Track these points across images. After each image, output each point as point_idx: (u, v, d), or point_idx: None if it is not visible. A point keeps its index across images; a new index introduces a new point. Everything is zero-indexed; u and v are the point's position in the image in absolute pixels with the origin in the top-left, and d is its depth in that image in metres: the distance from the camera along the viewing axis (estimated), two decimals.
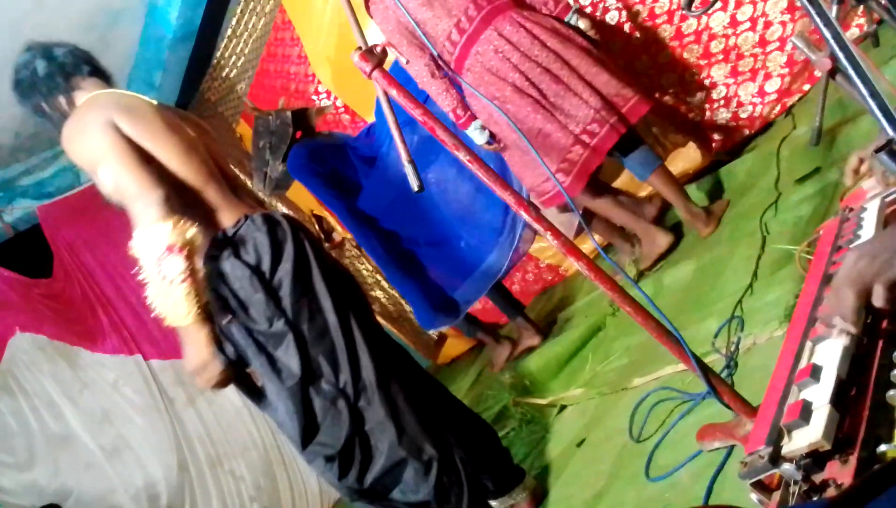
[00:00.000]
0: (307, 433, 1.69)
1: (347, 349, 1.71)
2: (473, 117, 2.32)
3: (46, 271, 3.95)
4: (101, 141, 1.63)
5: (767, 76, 2.65)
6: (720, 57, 2.66)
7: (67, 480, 3.67)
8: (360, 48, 1.39)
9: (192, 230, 1.56)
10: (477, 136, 2.34)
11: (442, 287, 3.05)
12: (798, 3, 1.02)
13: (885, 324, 1.10)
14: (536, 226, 1.41)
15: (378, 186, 3.02)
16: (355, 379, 1.70)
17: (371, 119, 3.60)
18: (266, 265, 1.66)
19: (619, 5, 2.67)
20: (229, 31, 3.98)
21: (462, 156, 1.40)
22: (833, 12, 1.93)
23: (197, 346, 1.62)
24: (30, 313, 3.75)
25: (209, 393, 3.96)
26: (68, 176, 4.18)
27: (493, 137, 2.36)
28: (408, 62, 2.30)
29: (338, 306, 1.71)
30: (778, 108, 2.70)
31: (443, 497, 1.76)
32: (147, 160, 1.65)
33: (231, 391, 4.03)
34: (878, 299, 0.89)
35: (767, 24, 2.56)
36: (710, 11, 2.50)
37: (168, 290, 1.55)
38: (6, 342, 3.70)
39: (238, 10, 3.88)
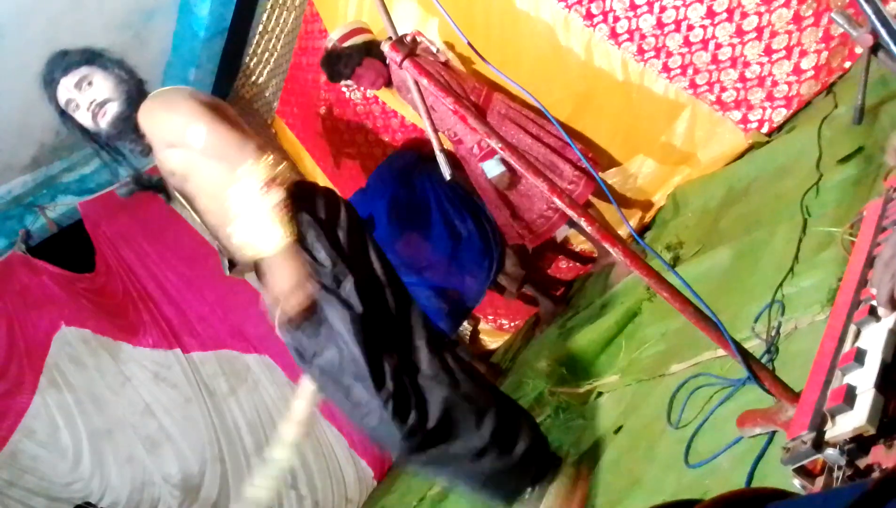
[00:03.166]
0: (373, 364, 1.71)
1: (398, 308, 1.82)
2: (494, 152, 2.67)
3: (89, 266, 4.05)
4: (190, 106, 1.75)
5: (803, 53, 2.58)
6: (753, 35, 2.60)
7: (111, 473, 3.77)
8: (390, 38, 1.39)
9: (284, 164, 1.72)
10: (494, 166, 2.83)
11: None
12: None
13: None
14: (571, 213, 1.40)
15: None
16: (406, 336, 1.81)
17: (399, 109, 3.62)
18: (323, 215, 1.80)
19: None
20: (260, 28, 4.02)
21: (494, 143, 1.41)
22: None
23: (291, 268, 1.70)
24: (74, 307, 3.85)
25: (249, 384, 4.03)
26: (107, 172, 4.28)
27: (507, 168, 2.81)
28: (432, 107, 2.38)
29: (386, 268, 1.85)
30: (818, 86, 2.63)
31: (502, 442, 1.78)
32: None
33: (270, 380, 4.10)
34: None
35: (802, 0, 2.49)
36: None
37: (267, 218, 1.66)
38: (52, 336, 3.81)
39: (268, 6, 3.91)
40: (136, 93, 1.89)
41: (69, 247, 4.06)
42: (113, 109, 1.85)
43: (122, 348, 3.94)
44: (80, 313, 3.88)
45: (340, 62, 3.01)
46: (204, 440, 3.91)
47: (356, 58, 2.99)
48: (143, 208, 4.05)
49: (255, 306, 3.61)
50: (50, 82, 1.90)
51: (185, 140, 1.74)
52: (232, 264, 1.95)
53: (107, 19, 3.41)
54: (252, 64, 4.26)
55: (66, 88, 1.88)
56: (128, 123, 1.85)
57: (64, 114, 1.93)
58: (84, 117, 1.89)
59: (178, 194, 1.93)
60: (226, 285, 3.94)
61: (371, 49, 2.99)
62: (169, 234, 4.04)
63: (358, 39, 3.05)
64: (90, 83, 1.89)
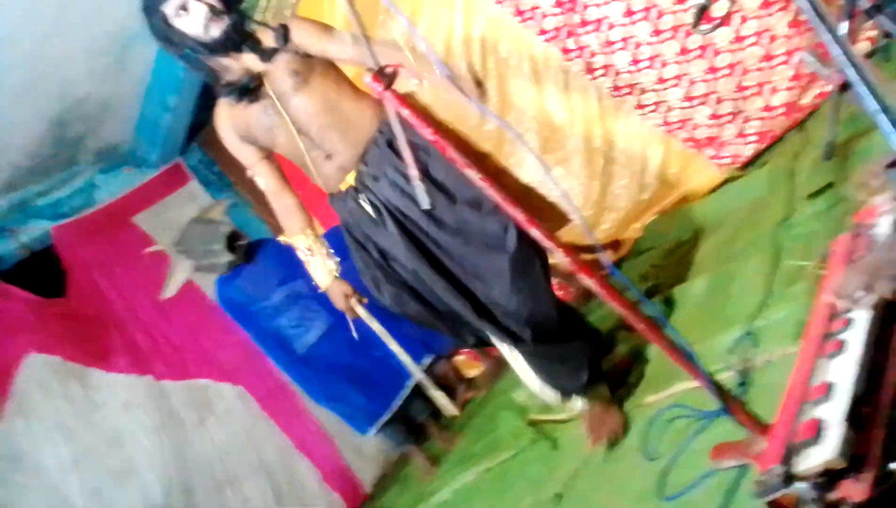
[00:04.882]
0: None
1: None
2: None
3: (60, 292, 3.99)
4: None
5: (774, 90, 2.64)
6: (726, 72, 2.66)
7: (76, 504, 3.65)
8: (371, 69, 1.41)
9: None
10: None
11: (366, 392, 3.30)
12: (806, 19, 1.02)
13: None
14: (547, 243, 1.42)
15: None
16: None
17: None
18: None
19: (625, 21, 2.68)
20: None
21: (472, 174, 1.42)
22: (843, 28, 1.93)
23: (337, 298, 2.27)
24: (44, 333, 3.77)
25: (220, 414, 3.97)
26: (83, 196, 4.23)
27: None
28: None
29: None
30: (789, 122, 2.69)
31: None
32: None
33: (241, 410, 4.01)
34: (880, 289, 0.92)
35: (773, 39, 2.56)
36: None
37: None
38: (20, 362, 3.72)
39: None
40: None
41: (40, 272, 4.00)
42: (227, 19, 1.90)
43: (92, 374, 3.84)
44: (49, 338, 3.80)
45: None
46: (173, 471, 3.81)
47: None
48: (116, 233, 4.01)
49: (229, 334, 3.59)
50: None
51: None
52: None
53: (88, 44, 3.40)
54: None
55: None
56: (235, 36, 1.91)
57: (161, 27, 1.93)
58: (191, 23, 1.90)
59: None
60: (199, 312, 3.89)
61: None
62: (142, 259, 4.00)
63: None
64: None
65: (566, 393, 2.10)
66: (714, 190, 2.85)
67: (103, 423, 3.77)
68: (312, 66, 1.96)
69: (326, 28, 1.99)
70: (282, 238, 2.33)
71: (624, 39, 2.72)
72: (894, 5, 1.92)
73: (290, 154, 2.05)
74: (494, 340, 2.09)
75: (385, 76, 1.42)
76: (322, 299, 3.34)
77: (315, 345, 3.33)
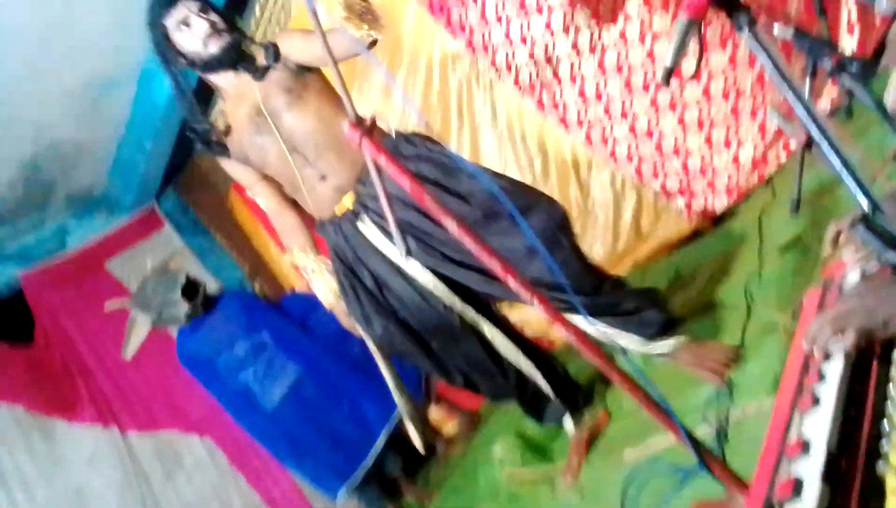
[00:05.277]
0: None
1: None
2: None
3: (27, 338, 3.89)
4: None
5: (741, 145, 2.72)
6: (694, 127, 2.73)
7: None
8: (349, 119, 1.42)
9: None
10: None
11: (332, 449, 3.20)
12: (770, 79, 1.06)
13: (871, 394, 1.10)
14: (525, 293, 1.42)
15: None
16: None
17: None
18: None
19: (598, 76, 2.75)
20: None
21: (450, 225, 1.42)
22: (806, 86, 2.00)
23: (342, 317, 2.18)
24: (8, 381, 3.66)
25: (188, 469, 3.84)
26: (54, 241, 4.16)
27: None
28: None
29: None
30: (755, 177, 2.76)
31: None
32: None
33: (210, 464, 3.90)
34: (847, 341, 0.95)
35: (739, 95, 2.64)
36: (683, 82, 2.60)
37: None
38: None
39: None
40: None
41: (9, 318, 3.90)
42: (226, 37, 1.94)
43: (56, 426, 3.73)
44: (13, 387, 3.69)
45: None
46: None
47: None
48: (87, 279, 3.93)
49: (198, 385, 3.51)
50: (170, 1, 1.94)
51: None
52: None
53: (65, 88, 3.40)
54: None
55: (190, 8, 1.94)
56: (232, 54, 1.95)
57: (160, 40, 1.96)
58: (191, 39, 1.93)
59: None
60: (169, 360, 3.81)
61: None
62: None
63: None
64: (209, 13, 1.96)
65: (647, 337, 2.01)
66: (685, 242, 2.89)
67: (67, 479, 3.63)
68: (306, 83, 1.96)
69: (309, 31, 1.96)
70: (286, 257, 2.29)
71: (597, 94, 2.78)
72: (855, 64, 2.00)
73: (281, 175, 2.02)
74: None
75: (362, 125, 1.43)
76: (289, 349, 3.29)
77: (283, 400, 3.21)
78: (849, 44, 2.46)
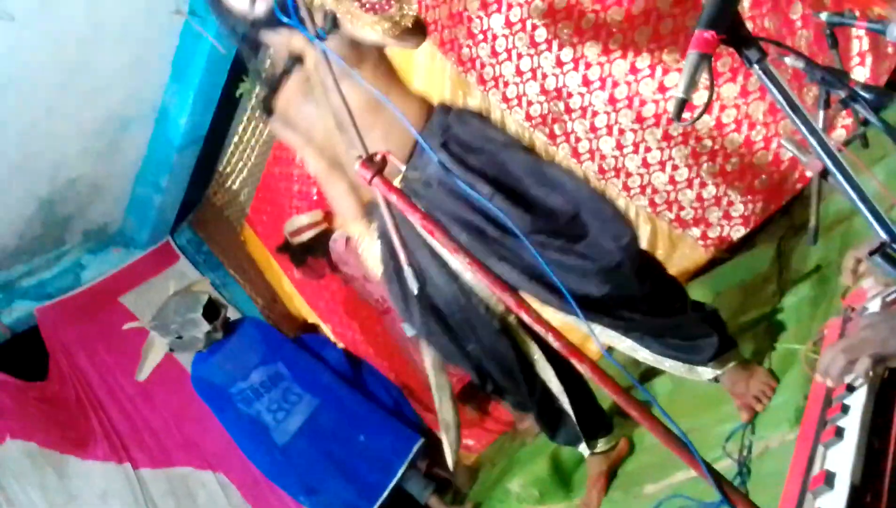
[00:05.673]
0: None
1: None
2: None
3: (42, 373, 3.90)
4: None
5: (756, 175, 2.70)
6: (707, 157, 2.73)
7: None
8: (360, 156, 1.43)
9: None
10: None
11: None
12: (782, 111, 1.06)
13: (894, 427, 1.07)
14: (537, 327, 1.40)
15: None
16: None
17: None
18: None
19: (609, 109, 2.76)
20: (236, 138, 4.11)
21: (462, 259, 1.42)
22: (819, 117, 1.99)
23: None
24: (22, 418, 3.66)
25: (201, 505, 3.79)
26: (69, 277, 4.20)
27: None
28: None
29: None
30: (772, 206, 2.74)
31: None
32: None
33: (224, 501, 3.85)
34: (860, 368, 0.95)
35: (752, 126, 2.64)
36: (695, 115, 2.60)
37: None
38: None
39: (245, 117, 4.01)
40: None
41: (24, 353, 3.92)
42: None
43: (69, 462, 3.72)
44: (27, 424, 3.69)
45: (290, 257, 3.44)
46: None
47: (299, 257, 3.41)
48: (101, 313, 3.95)
49: (213, 417, 3.50)
50: None
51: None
52: None
53: (82, 127, 3.46)
54: (225, 172, 4.32)
55: None
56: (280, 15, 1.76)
57: None
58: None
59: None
60: (182, 395, 3.80)
61: (314, 246, 3.40)
62: (128, 342, 3.93)
63: (304, 237, 3.44)
64: None
65: (692, 363, 1.94)
66: (702, 272, 2.87)
67: None
68: (362, 57, 1.84)
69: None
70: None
71: (608, 126, 2.79)
72: (869, 94, 1.99)
73: (326, 150, 1.90)
74: (606, 335, 1.94)
75: (374, 164, 1.44)
76: (305, 381, 3.26)
77: (297, 434, 3.17)
78: (861, 72, 2.46)
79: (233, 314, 3.69)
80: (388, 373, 3.57)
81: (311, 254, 3.42)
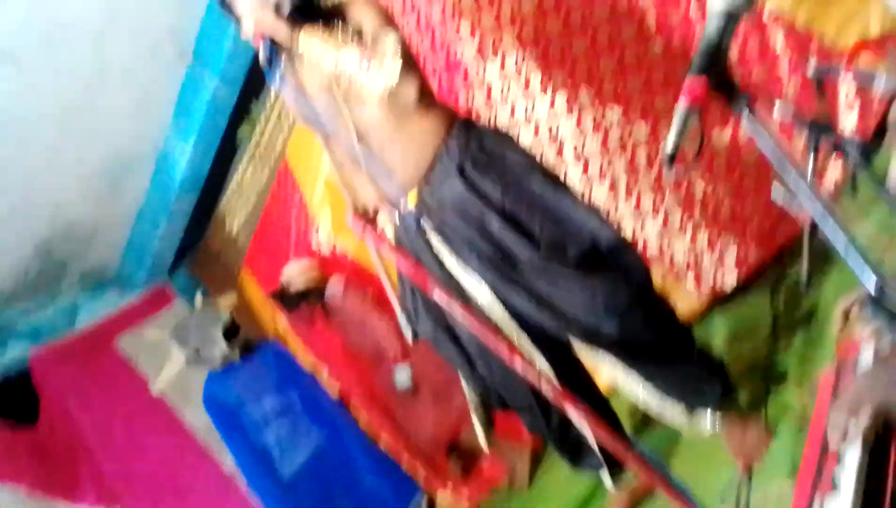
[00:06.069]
0: None
1: None
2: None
3: (34, 416, 3.85)
4: None
5: (748, 222, 2.72)
6: (700, 203, 2.74)
7: None
8: (354, 209, 1.45)
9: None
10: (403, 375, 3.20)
11: None
12: (772, 159, 1.07)
13: (890, 479, 1.06)
14: (530, 374, 1.41)
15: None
16: None
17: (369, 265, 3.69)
18: None
19: (602, 154, 2.78)
20: (234, 182, 4.14)
21: (453, 304, 1.43)
22: (809, 164, 2.02)
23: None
24: (11, 462, 3.60)
25: None
26: (64, 319, 4.18)
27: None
28: None
29: None
30: (765, 252, 2.75)
31: None
32: None
33: None
34: (861, 423, 0.95)
35: (744, 170, 2.67)
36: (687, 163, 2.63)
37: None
38: None
39: (245, 160, 4.05)
40: None
41: (16, 396, 3.88)
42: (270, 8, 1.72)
43: (57, 507, 3.65)
44: (16, 468, 3.62)
45: (282, 303, 3.49)
46: None
47: (292, 304, 3.45)
48: (96, 356, 3.92)
49: (205, 462, 3.43)
50: None
51: None
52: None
53: (84, 169, 3.49)
54: (224, 215, 4.34)
55: None
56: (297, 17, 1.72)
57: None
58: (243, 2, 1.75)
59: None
60: (175, 439, 3.75)
61: (308, 293, 3.45)
62: (120, 386, 3.89)
63: (299, 284, 3.50)
64: None
65: (693, 408, 1.91)
66: (697, 319, 2.86)
67: None
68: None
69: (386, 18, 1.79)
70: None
71: (601, 173, 2.82)
72: (856, 144, 2.02)
73: (345, 156, 1.84)
74: (606, 366, 1.91)
75: (365, 216, 1.47)
76: (315, 416, 3.21)
77: (302, 469, 3.10)
78: (849, 121, 2.50)
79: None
80: (377, 430, 3.51)
81: (306, 300, 3.42)
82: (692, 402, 1.90)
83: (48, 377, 3.84)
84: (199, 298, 3.45)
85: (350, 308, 3.42)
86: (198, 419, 3.65)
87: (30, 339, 3.99)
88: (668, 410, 1.92)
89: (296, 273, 3.54)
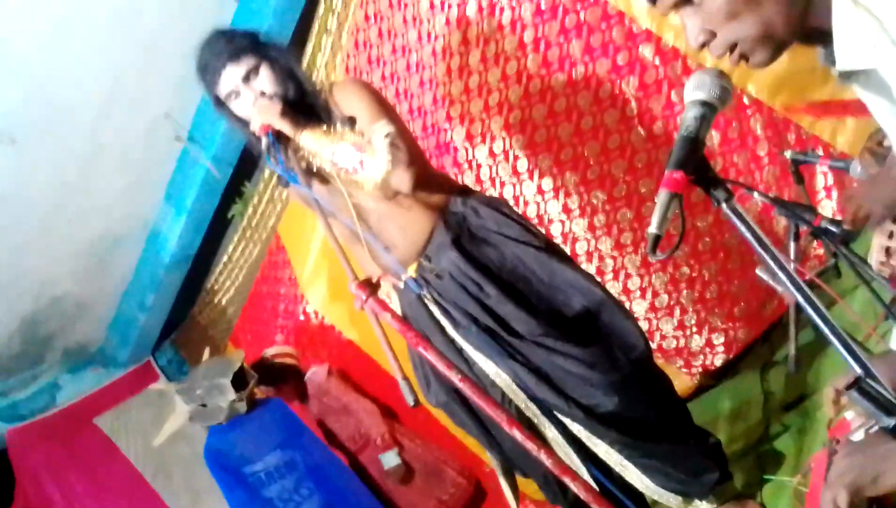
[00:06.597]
0: None
1: None
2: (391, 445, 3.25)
3: (8, 498, 3.71)
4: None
5: (735, 302, 2.75)
6: (686, 285, 2.78)
7: None
8: (357, 278, 1.48)
9: None
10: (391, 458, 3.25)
11: None
12: (754, 247, 1.10)
13: None
14: (530, 446, 1.41)
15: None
16: None
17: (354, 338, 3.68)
18: None
19: (589, 236, 2.83)
20: (225, 258, 4.16)
21: (454, 376, 1.45)
22: (791, 249, 2.07)
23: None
24: None
25: None
26: (44, 397, 4.10)
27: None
28: None
29: None
30: (753, 333, 2.77)
31: None
32: None
33: None
34: (839, 500, 0.95)
35: (728, 252, 2.72)
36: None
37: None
38: None
39: (236, 238, 4.08)
40: (295, 89, 1.81)
41: None
42: (278, 102, 1.74)
43: None
44: None
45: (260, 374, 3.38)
46: None
47: (270, 376, 3.39)
48: (75, 435, 3.82)
49: None
50: (214, 69, 1.78)
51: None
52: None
53: (74, 246, 3.50)
54: (213, 290, 4.33)
55: (232, 78, 1.78)
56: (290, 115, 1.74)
57: (218, 102, 1.84)
58: (243, 107, 1.79)
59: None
60: None
61: (284, 375, 3.44)
62: (101, 467, 3.78)
63: (276, 362, 3.50)
64: (257, 73, 1.79)
65: (688, 496, 1.86)
66: (687, 400, 2.85)
67: None
68: None
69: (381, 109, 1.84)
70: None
71: (588, 254, 2.87)
72: (836, 227, 2.07)
73: (346, 233, 1.85)
74: (594, 444, 1.85)
75: (370, 285, 1.49)
76: (318, 479, 3.11)
77: None
78: (828, 206, 2.57)
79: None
80: None
81: (282, 382, 3.39)
82: (690, 490, 1.87)
83: (24, 459, 3.73)
84: (207, 351, 3.40)
85: (333, 393, 3.41)
86: (177, 501, 3.54)
87: (8, 419, 3.90)
88: (665, 497, 1.88)
89: (275, 353, 3.54)
